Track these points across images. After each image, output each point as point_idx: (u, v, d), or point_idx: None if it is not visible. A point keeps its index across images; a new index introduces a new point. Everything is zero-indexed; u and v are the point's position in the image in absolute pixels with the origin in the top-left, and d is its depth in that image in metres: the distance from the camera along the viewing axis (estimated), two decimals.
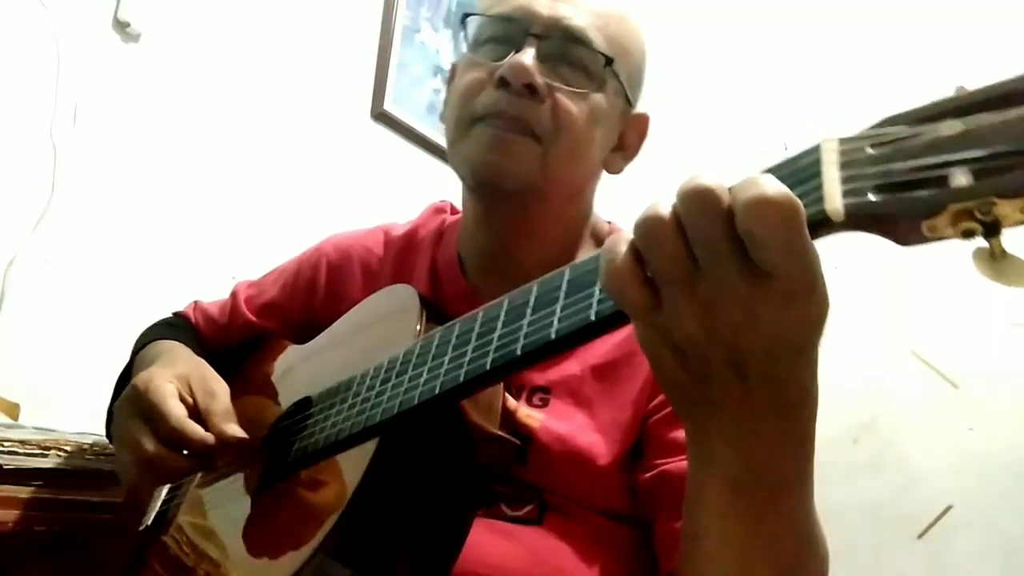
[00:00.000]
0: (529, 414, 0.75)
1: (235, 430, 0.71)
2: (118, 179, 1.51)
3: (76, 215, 1.44)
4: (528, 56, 0.76)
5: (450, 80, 0.90)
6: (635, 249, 0.42)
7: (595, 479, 0.74)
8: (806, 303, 0.40)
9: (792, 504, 0.48)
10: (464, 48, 0.86)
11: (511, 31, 0.79)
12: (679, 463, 0.71)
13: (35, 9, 1.41)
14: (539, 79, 0.76)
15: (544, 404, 0.76)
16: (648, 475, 0.74)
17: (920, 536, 1.88)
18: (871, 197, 0.36)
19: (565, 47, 0.79)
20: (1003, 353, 1.89)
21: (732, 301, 0.40)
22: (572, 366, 0.77)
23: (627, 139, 0.87)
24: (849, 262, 1.90)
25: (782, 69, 2.41)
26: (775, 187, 0.37)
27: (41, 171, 1.41)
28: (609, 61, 0.79)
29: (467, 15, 0.85)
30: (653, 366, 0.45)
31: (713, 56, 2.59)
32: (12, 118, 1.38)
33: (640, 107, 0.88)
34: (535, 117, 0.77)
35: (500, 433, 0.65)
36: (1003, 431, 1.85)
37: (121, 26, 1.53)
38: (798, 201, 0.37)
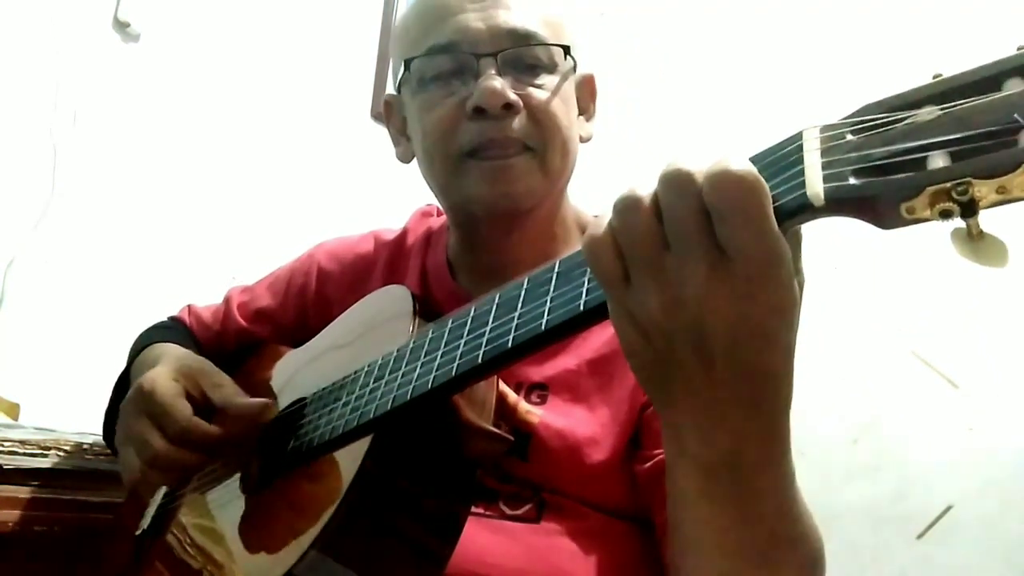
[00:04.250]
0: (529, 410, 0.75)
1: (253, 401, 0.75)
2: (118, 179, 1.52)
3: (76, 215, 1.45)
4: (494, 79, 0.75)
5: (386, 118, 0.91)
6: (613, 224, 0.44)
7: (596, 474, 0.74)
8: (766, 288, 0.41)
9: (765, 488, 0.49)
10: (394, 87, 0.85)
11: (459, 60, 0.77)
12: None
13: (35, 9, 1.42)
14: (512, 96, 0.75)
15: (543, 401, 0.77)
16: (646, 465, 0.73)
17: (920, 536, 1.87)
18: (851, 181, 0.37)
19: (520, 52, 0.78)
20: (1003, 353, 1.89)
21: (694, 281, 0.41)
22: (568, 361, 0.78)
23: (583, 102, 0.88)
24: (849, 262, 1.91)
25: (779, 65, 2.41)
26: (740, 164, 0.39)
27: (41, 171, 1.41)
28: (568, 50, 0.80)
29: (408, 60, 0.81)
30: (623, 346, 0.46)
31: (712, 53, 2.59)
32: (12, 118, 1.38)
33: (583, 68, 0.87)
34: (521, 130, 0.76)
35: (492, 429, 0.65)
36: (1003, 431, 1.85)
37: (121, 26, 1.54)
38: (763, 181, 0.39)
